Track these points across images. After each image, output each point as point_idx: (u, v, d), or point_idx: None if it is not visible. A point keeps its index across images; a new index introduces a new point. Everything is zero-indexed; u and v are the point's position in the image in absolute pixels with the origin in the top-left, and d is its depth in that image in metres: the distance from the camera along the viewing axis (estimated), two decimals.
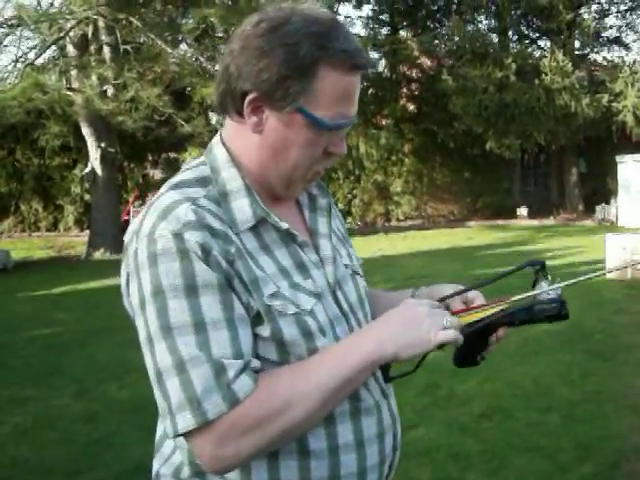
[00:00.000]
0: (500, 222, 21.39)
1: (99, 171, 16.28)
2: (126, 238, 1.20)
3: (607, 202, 20.58)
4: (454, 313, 1.28)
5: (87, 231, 18.33)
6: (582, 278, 1.39)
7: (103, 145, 16.08)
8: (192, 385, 1.08)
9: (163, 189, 1.22)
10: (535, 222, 21.04)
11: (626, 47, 23.60)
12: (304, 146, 1.19)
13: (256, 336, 1.17)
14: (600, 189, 21.96)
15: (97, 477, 3.96)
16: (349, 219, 22.47)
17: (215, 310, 1.11)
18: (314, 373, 1.14)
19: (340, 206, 22.65)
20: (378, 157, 20.71)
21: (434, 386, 5.23)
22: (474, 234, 18.22)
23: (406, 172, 23.34)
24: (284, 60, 1.14)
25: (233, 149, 1.25)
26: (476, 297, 1.37)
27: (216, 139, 1.29)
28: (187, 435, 1.11)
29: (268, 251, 1.21)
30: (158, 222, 1.14)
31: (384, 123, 22.48)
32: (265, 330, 1.16)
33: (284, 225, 1.23)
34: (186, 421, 1.09)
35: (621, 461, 3.99)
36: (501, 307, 1.33)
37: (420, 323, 1.17)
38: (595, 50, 23.30)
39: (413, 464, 4.01)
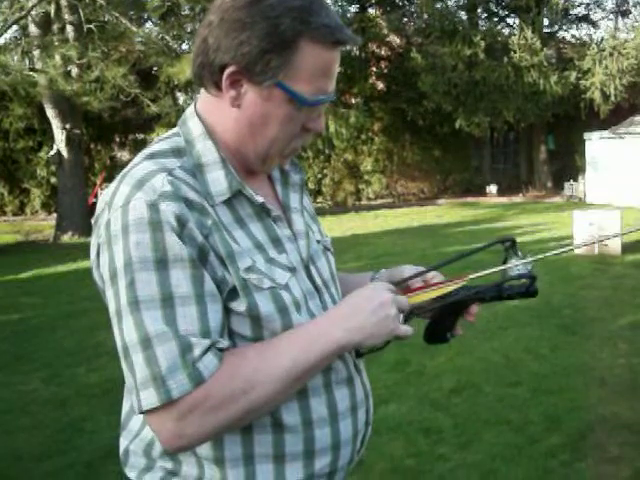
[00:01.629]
0: (470, 200, 21.52)
1: (65, 153, 16.03)
2: (98, 209, 1.17)
3: (575, 179, 20.79)
4: (412, 291, 1.29)
5: (54, 214, 18.09)
6: (550, 253, 1.40)
7: (68, 127, 15.82)
8: (157, 362, 1.07)
9: (137, 159, 1.20)
10: (504, 199, 21.20)
11: (594, 25, 23.73)
12: (283, 121, 1.19)
13: (230, 311, 1.16)
14: (568, 166, 22.16)
15: (68, 462, 3.93)
16: (319, 198, 22.44)
17: (185, 285, 1.09)
18: (280, 356, 1.13)
19: (311, 185, 22.60)
20: (348, 136, 20.61)
21: (404, 362, 5.26)
22: (444, 212, 18.32)
23: (376, 151, 23.33)
24: (265, 34, 1.13)
25: (209, 122, 1.23)
26: (435, 277, 1.40)
27: (190, 111, 1.27)
28: (149, 413, 1.10)
29: (243, 225, 1.20)
30: (133, 192, 1.11)
31: (353, 102, 22.40)
32: (241, 305, 1.15)
33: (259, 199, 1.22)
34: (150, 398, 1.07)
35: (587, 432, 4.06)
36: (459, 285, 1.33)
37: (386, 314, 1.18)
38: (563, 28, 23.39)
39: (385, 439, 4.03)
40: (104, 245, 1.13)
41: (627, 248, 10.23)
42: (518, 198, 21.62)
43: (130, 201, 1.10)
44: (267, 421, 1.18)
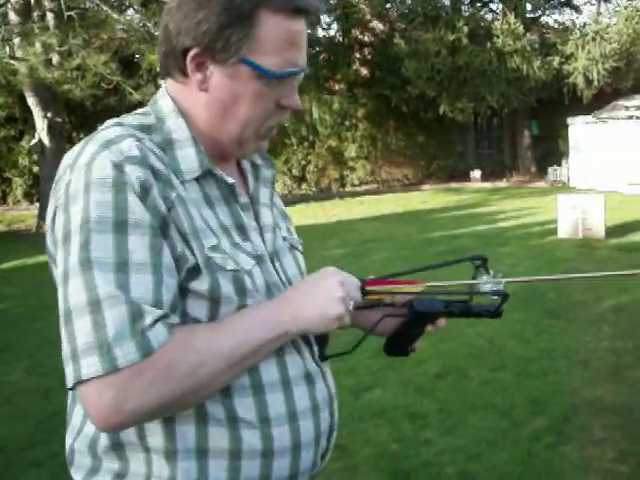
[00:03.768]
0: (454, 185, 21.56)
1: (47, 142, 15.87)
2: (58, 172, 1.12)
3: (559, 164, 20.87)
4: (367, 284, 1.25)
5: (37, 204, 17.94)
6: (525, 279, 1.41)
7: (50, 115, 15.66)
8: (104, 327, 0.99)
9: (106, 124, 1.16)
10: (488, 184, 21.26)
11: (577, 9, 23.75)
12: (253, 99, 1.15)
13: (187, 293, 1.11)
14: (552, 151, 22.23)
15: (52, 451, 3.91)
16: (304, 185, 22.40)
17: (142, 252, 1.04)
18: (229, 335, 1.10)
19: (295, 172, 22.55)
20: (332, 122, 20.57)
21: None
22: (428, 197, 18.34)
23: (360, 137, 23.29)
24: (222, 8, 1.10)
25: (181, 106, 1.19)
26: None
27: (161, 91, 1.23)
28: (87, 383, 1.00)
29: (211, 205, 1.17)
30: (99, 151, 1.07)
31: (337, 88, 22.34)
32: (202, 284, 1.10)
33: (230, 179, 1.19)
34: (92, 366, 0.99)
35: (571, 415, 4.08)
36: (419, 290, 1.31)
37: (333, 301, 1.15)
38: (546, 13, 23.39)
39: (370, 425, 4.04)
40: (61, 208, 1.07)
41: (610, 232, 10.30)
42: (502, 183, 21.69)
43: (95, 159, 1.06)
44: (222, 414, 1.13)
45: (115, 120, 1.18)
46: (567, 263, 8.58)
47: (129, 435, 1.12)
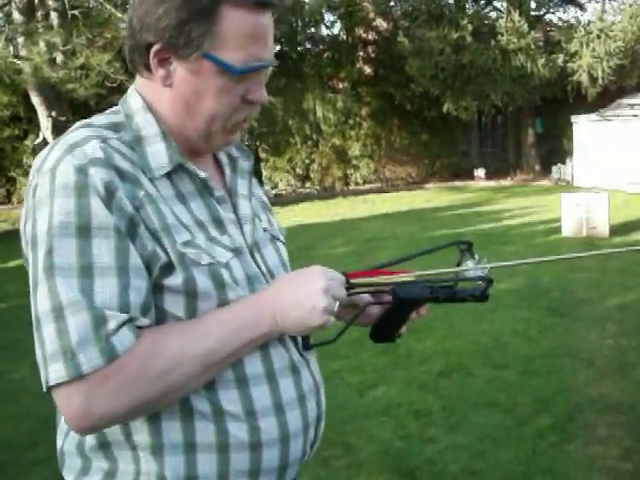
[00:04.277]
0: (458, 184, 21.52)
1: (51, 141, 15.81)
2: (30, 176, 1.12)
3: (563, 162, 20.82)
4: (352, 276, 1.24)
5: None
6: (509, 263, 1.43)
7: (54, 114, 15.68)
8: (68, 334, 1.00)
9: (73, 127, 1.16)
10: (493, 183, 21.22)
11: (581, 7, 23.66)
12: (218, 95, 1.14)
13: (163, 290, 1.10)
14: (556, 149, 22.18)
15: (55, 450, 3.92)
16: (307, 184, 22.38)
17: (107, 256, 1.04)
18: (206, 338, 1.09)
19: (299, 171, 22.54)
20: (335, 121, 20.57)
21: (393, 345, 5.24)
22: (432, 196, 18.32)
23: (364, 135, 23.26)
24: (182, 3, 1.09)
25: (149, 102, 1.19)
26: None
27: (131, 89, 1.23)
28: (57, 388, 1.03)
29: (184, 201, 1.16)
30: (63, 156, 1.07)
31: (341, 86, 22.32)
32: (177, 279, 1.09)
33: (202, 174, 1.18)
34: (58, 372, 1.01)
35: (576, 413, 4.08)
36: (406, 278, 1.30)
37: (315, 306, 1.12)
38: (551, 10, 23.32)
39: (374, 422, 4.04)
40: (29, 213, 1.08)
41: (615, 230, 10.28)
42: (506, 181, 21.64)
43: (59, 164, 1.06)
44: (208, 409, 1.12)
45: (85, 121, 1.17)
46: (571, 262, 8.56)
47: (115, 434, 1.13)
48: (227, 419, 1.13)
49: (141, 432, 1.12)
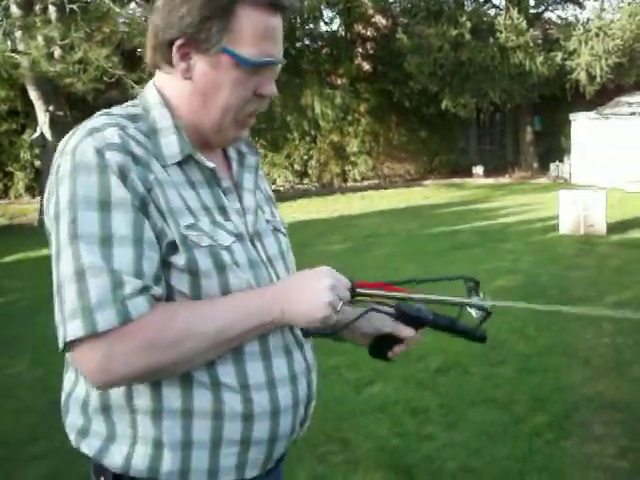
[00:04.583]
0: (456, 181, 21.55)
1: (49, 136, 15.86)
2: (55, 155, 1.23)
3: (561, 160, 20.84)
4: (359, 285, 1.29)
5: (39, 198, 17.93)
6: (512, 304, 1.43)
7: (51, 109, 15.64)
8: (88, 294, 1.11)
9: (95, 115, 1.26)
10: (491, 180, 21.24)
11: (580, 5, 23.64)
12: (233, 87, 1.25)
13: (170, 266, 1.20)
14: (554, 147, 22.20)
15: (55, 445, 3.92)
16: (306, 180, 22.38)
17: (124, 228, 1.14)
18: (215, 318, 1.19)
19: (297, 167, 22.52)
20: (334, 117, 20.56)
21: None
22: (430, 193, 18.33)
23: (362, 132, 23.25)
24: (204, 2, 1.21)
25: (166, 97, 1.29)
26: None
27: (149, 84, 1.33)
28: (76, 346, 1.12)
29: (193, 187, 1.26)
30: (84, 138, 1.18)
31: (339, 83, 22.31)
32: (180, 259, 1.19)
33: (210, 164, 1.28)
34: (75, 329, 1.10)
35: (572, 411, 4.09)
36: (410, 296, 1.33)
37: (322, 301, 1.21)
38: (549, 8, 23.31)
39: (371, 419, 4.06)
40: (53, 190, 1.19)
41: (612, 228, 10.30)
42: (504, 179, 21.67)
43: (77, 147, 1.17)
44: (206, 379, 1.21)
45: (104, 110, 1.28)
46: (568, 259, 8.59)
47: (118, 397, 1.22)
48: (223, 390, 1.22)
49: (142, 396, 1.21)
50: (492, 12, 22.80)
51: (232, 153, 1.40)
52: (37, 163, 19.48)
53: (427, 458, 3.62)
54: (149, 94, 1.30)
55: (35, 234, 14.11)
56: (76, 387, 1.28)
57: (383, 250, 9.94)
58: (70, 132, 1.23)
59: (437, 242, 10.32)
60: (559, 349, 5.21)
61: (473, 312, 1.34)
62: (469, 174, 22.38)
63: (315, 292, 1.21)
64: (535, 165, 22.72)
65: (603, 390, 4.38)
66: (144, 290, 1.13)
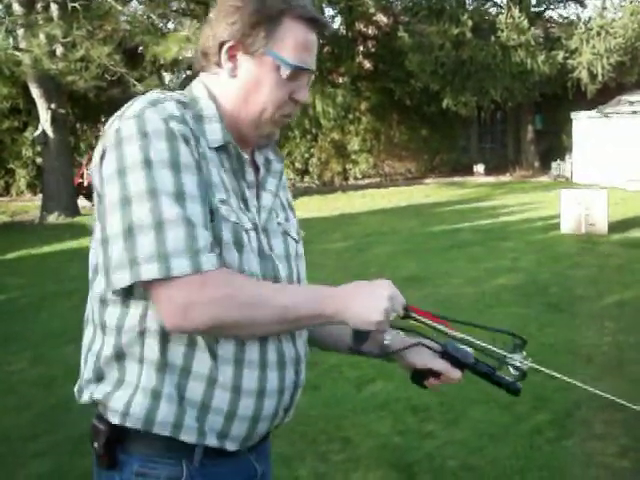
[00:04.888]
0: (457, 179, 21.55)
1: (50, 133, 15.87)
2: (108, 123, 1.33)
3: (562, 159, 20.83)
4: (411, 308, 1.37)
5: (40, 195, 17.95)
6: (548, 371, 1.46)
7: (53, 106, 15.65)
8: (165, 242, 1.22)
9: (148, 93, 1.36)
10: (492, 179, 21.24)
11: (581, 4, 23.62)
12: (272, 87, 1.38)
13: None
14: (555, 146, 22.19)
15: (56, 441, 3.93)
16: (307, 178, 22.38)
17: (193, 187, 1.27)
18: (281, 295, 1.31)
19: (298, 165, 22.53)
20: (335, 115, 20.54)
21: None
22: (431, 191, 18.33)
23: (363, 130, 23.26)
24: (254, 10, 1.36)
25: (212, 92, 1.42)
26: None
27: (196, 81, 1.46)
28: (155, 287, 1.23)
29: (226, 171, 1.38)
30: (147, 108, 1.29)
31: (340, 81, 22.29)
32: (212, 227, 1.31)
33: (245, 155, 1.41)
34: (152, 271, 1.21)
35: (574, 410, 4.09)
36: (459, 337, 1.42)
37: (378, 311, 1.30)
38: (551, 7, 23.31)
39: (372, 417, 4.06)
40: (112, 148, 1.27)
41: (613, 227, 10.29)
42: (505, 177, 21.67)
43: (144, 113, 1.27)
44: (207, 349, 1.31)
45: (156, 89, 1.41)
46: (569, 258, 8.59)
47: (130, 346, 1.32)
48: (220, 361, 1.33)
49: (152, 348, 1.31)
50: (493, 11, 22.80)
51: (259, 159, 1.50)
52: (39, 160, 19.49)
53: (428, 456, 3.62)
54: (196, 88, 1.43)
55: (36, 231, 14.13)
56: (94, 342, 1.38)
57: (384, 248, 9.94)
58: (127, 104, 1.33)
59: (438, 240, 10.32)
60: (561, 347, 5.21)
61: (510, 368, 1.41)
62: (470, 172, 22.38)
63: (374, 297, 1.31)
64: (536, 164, 22.72)
65: (605, 389, 4.36)
66: (212, 247, 1.26)
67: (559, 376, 1.48)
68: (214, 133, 1.37)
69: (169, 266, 1.21)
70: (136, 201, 1.23)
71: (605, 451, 3.59)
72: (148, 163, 1.24)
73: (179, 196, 1.24)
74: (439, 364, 1.49)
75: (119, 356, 1.34)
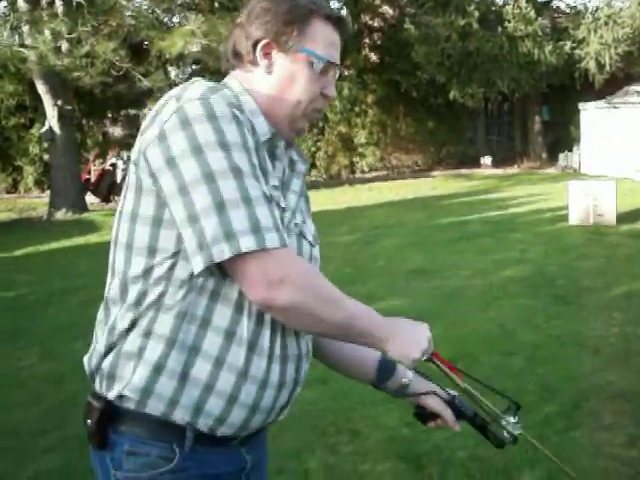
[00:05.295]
0: (464, 171, 21.48)
1: (57, 130, 15.90)
2: (159, 104, 1.36)
3: (570, 150, 20.73)
4: (435, 355, 1.50)
5: (48, 192, 18.00)
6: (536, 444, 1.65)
7: (60, 103, 15.67)
8: (256, 217, 1.26)
9: (195, 82, 1.40)
10: (499, 171, 21.16)
11: None
12: (306, 82, 1.46)
13: None
14: (563, 137, 22.07)
15: (64, 435, 3.95)
16: (314, 172, 22.36)
17: (259, 170, 1.33)
18: (351, 303, 1.36)
19: None
20: (341, 108, 20.54)
21: None
22: (438, 184, 18.29)
23: (370, 123, 23.20)
24: (287, 10, 1.44)
25: (247, 89, 1.46)
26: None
27: (229, 78, 1.50)
28: (249, 260, 1.26)
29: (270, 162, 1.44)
30: (208, 92, 1.33)
31: (347, 74, 22.24)
32: None
33: (294, 156, 1.52)
34: (249, 242, 1.24)
35: (582, 401, 4.08)
36: (465, 387, 1.58)
37: (418, 350, 1.42)
38: None
39: (381, 410, 4.06)
40: (176, 126, 1.29)
41: (622, 218, 10.24)
42: (513, 169, 21.58)
43: (209, 97, 1.31)
44: (223, 329, 1.35)
45: (200, 79, 1.44)
46: (577, 250, 8.55)
47: (145, 321, 1.35)
48: (234, 341, 1.36)
49: (165, 325, 1.35)
50: (500, 1, 22.63)
51: (284, 159, 1.53)
52: (46, 157, 19.53)
53: (436, 448, 3.62)
54: (233, 84, 1.47)
55: (44, 228, 14.18)
56: (109, 317, 1.41)
57: (392, 241, 9.93)
58: (178, 88, 1.38)
59: (445, 233, 10.30)
60: (568, 339, 5.20)
61: (507, 425, 1.59)
62: (477, 165, 22.30)
63: (419, 337, 1.43)
64: (544, 155, 22.61)
65: (612, 380, 4.37)
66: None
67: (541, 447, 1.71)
68: (261, 125, 1.41)
69: (264, 238, 1.26)
70: (221, 178, 1.26)
71: (613, 441, 3.59)
72: (224, 144, 1.28)
73: (256, 177, 1.30)
74: (448, 414, 1.65)
75: (130, 328, 1.37)
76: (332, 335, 1.42)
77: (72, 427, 4.04)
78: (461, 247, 9.16)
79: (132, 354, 1.36)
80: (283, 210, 1.41)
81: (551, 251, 8.51)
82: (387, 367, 1.65)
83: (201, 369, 1.35)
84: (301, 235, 1.51)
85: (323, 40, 1.47)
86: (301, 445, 3.65)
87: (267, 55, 1.45)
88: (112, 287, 1.41)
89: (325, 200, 15.52)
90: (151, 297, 1.34)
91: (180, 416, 1.35)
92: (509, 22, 19.65)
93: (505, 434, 1.59)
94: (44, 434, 4.03)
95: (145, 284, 1.35)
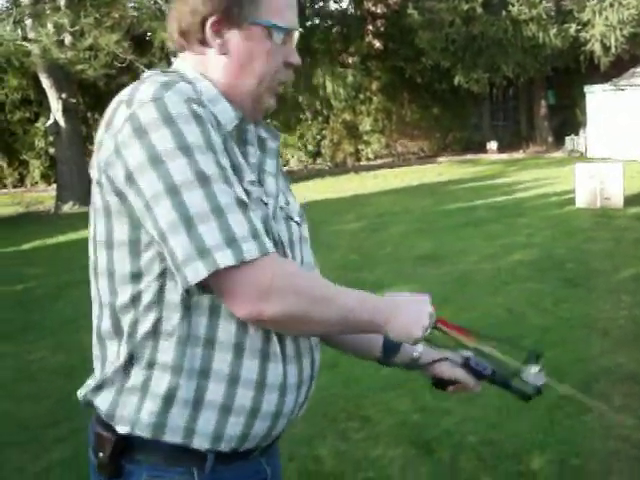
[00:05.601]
0: (470, 157, 21.42)
1: (62, 123, 15.92)
2: (108, 111, 1.23)
3: (576, 133, 20.64)
4: (441, 322, 1.39)
5: (54, 185, 18.04)
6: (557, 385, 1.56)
7: (64, 96, 15.69)
8: (230, 227, 1.14)
9: (148, 74, 1.28)
10: (505, 156, 21.10)
11: None
12: (266, 56, 1.31)
13: None
14: (569, 120, 21.99)
15: (74, 427, 3.96)
16: (319, 160, 22.34)
17: (231, 172, 1.20)
18: (346, 297, 1.26)
19: (310, 147, 22.48)
20: (346, 96, 20.47)
21: None
22: (444, 170, 18.24)
23: (375, 110, 23.15)
24: None
25: (203, 73, 1.32)
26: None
27: (179, 62, 1.35)
28: (228, 276, 1.15)
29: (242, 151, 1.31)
30: (161, 91, 1.18)
31: (350, 61, 22.19)
32: None
33: (263, 133, 1.37)
34: (226, 257, 1.13)
35: (592, 383, 4.08)
36: (476, 347, 1.46)
37: (419, 328, 1.31)
38: None
39: (391, 395, 4.07)
40: (131, 137, 1.16)
41: (629, 201, 10.20)
42: (519, 154, 21.51)
43: (162, 97, 1.17)
44: (232, 342, 1.24)
45: (154, 71, 1.30)
46: (585, 233, 8.53)
47: (143, 351, 1.24)
48: (245, 355, 1.26)
49: (167, 352, 1.24)
50: None
51: (252, 138, 1.38)
52: (52, 151, 19.57)
53: (447, 432, 3.62)
54: (186, 70, 1.31)
55: (52, 221, 14.22)
56: (104, 352, 1.30)
57: (398, 228, 9.92)
58: (129, 87, 1.23)
59: (452, 218, 10.28)
60: (577, 322, 5.19)
61: (530, 378, 1.49)
62: (483, 150, 22.24)
63: (419, 314, 1.32)
64: (550, 139, 22.52)
65: (622, 362, 4.36)
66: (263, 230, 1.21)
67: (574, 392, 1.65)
68: (225, 113, 1.27)
69: (241, 250, 1.14)
70: (186, 189, 1.13)
71: (623, 424, 3.58)
72: (186, 149, 1.14)
73: (226, 179, 1.17)
74: (466, 377, 1.55)
75: (129, 362, 1.26)
76: (332, 333, 1.37)
77: (82, 419, 4.05)
78: (468, 232, 9.13)
79: (135, 389, 1.25)
80: (266, 205, 1.29)
81: (558, 235, 8.48)
82: (392, 343, 1.50)
83: (215, 391, 1.25)
84: (288, 218, 1.39)
85: (278, 4, 1.30)
86: (312, 432, 3.66)
87: (219, 33, 1.29)
88: (103, 320, 1.29)
89: (331, 188, 15.51)
90: (146, 325, 1.22)
91: (199, 444, 1.26)
92: (513, 5, 19.54)
93: (529, 386, 1.51)
94: (55, 426, 4.05)
95: (136, 313, 1.23)
